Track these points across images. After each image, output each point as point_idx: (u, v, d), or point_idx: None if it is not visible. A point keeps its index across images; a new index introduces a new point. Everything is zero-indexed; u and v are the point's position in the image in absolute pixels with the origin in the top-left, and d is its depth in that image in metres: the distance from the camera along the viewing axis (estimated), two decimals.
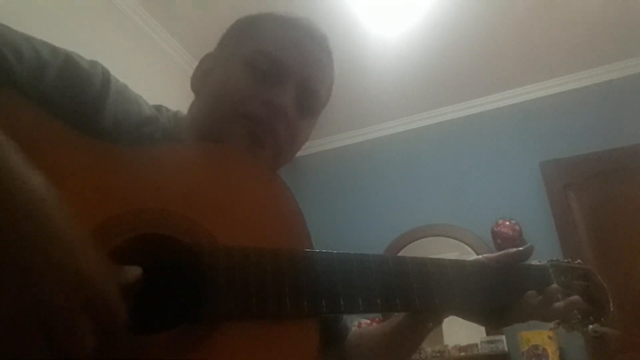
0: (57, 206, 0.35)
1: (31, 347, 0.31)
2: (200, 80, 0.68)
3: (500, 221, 3.07)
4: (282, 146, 0.63)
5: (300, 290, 0.49)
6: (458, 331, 2.90)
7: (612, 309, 0.71)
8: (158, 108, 0.67)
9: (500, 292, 0.65)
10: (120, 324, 0.36)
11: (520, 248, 0.69)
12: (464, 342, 2.94)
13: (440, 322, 0.67)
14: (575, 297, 0.67)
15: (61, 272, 0.32)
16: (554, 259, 0.73)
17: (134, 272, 0.40)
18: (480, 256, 0.70)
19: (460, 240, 3.18)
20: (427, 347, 2.96)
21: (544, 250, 0.71)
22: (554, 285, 0.67)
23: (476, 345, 2.89)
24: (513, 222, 3.04)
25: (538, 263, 0.71)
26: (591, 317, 0.70)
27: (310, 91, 0.65)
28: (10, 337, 0.30)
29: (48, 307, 0.31)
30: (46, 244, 0.32)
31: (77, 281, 0.33)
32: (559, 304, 0.66)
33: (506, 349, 2.78)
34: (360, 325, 2.59)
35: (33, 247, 0.32)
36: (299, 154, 0.71)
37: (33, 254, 0.32)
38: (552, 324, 0.68)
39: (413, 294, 0.56)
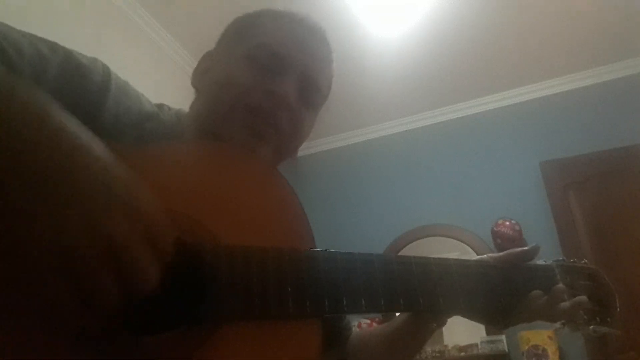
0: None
1: (98, 280, 0.32)
2: (201, 77, 0.68)
3: (500, 221, 3.07)
4: (285, 138, 0.63)
5: (303, 291, 0.48)
6: (458, 331, 2.90)
7: (618, 309, 0.71)
8: (160, 106, 0.67)
9: (505, 292, 0.64)
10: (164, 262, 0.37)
11: (526, 247, 0.68)
12: (464, 342, 2.95)
13: (444, 323, 0.66)
14: (582, 297, 0.67)
15: (123, 204, 0.35)
16: (560, 258, 0.73)
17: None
18: (484, 256, 0.69)
19: (460, 240, 3.18)
20: (427, 347, 2.96)
21: (544, 250, 0.70)
22: (560, 285, 0.67)
23: (476, 345, 2.89)
24: (513, 222, 3.04)
25: (543, 263, 0.71)
26: (597, 318, 0.69)
27: (312, 82, 0.64)
28: (79, 272, 0.32)
29: (113, 237, 0.33)
30: (109, 180, 0.35)
31: (138, 213, 0.35)
32: (565, 304, 0.65)
33: (506, 349, 2.78)
34: (360, 325, 2.59)
35: (97, 182, 0.34)
36: (300, 154, 0.70)
37: (97, 187, 0.34)
38: (557, 324, 0.67)
39: (417, 294, 0.56)
